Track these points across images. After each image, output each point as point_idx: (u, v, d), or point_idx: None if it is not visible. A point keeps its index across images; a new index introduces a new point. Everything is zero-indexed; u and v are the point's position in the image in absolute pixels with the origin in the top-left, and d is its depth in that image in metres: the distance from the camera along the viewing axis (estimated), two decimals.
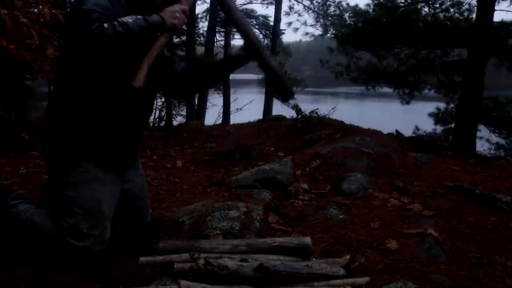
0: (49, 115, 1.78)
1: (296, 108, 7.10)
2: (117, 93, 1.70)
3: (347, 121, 6.38)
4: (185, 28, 12.71)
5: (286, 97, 1.95)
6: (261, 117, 11.38)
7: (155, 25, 1.57)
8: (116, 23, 1.48)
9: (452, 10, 8.50)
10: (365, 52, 9.55)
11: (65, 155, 1.72)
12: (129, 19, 1.51)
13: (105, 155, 1.76)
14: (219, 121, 12.40)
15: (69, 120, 1.70)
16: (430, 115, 9.47)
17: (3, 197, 1.86)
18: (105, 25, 1.46)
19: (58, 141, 1.73)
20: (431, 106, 9.68)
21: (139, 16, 1.54)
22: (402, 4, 8.65)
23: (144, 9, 1.69)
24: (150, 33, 1.57)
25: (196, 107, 12.38)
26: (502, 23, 7.77)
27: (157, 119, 8.66)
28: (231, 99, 13.09)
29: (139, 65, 1.60)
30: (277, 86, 1.91)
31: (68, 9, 1.66)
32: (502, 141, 8.29)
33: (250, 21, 16.67)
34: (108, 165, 1.78)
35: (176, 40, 14.15)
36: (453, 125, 8.00)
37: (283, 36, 14.84)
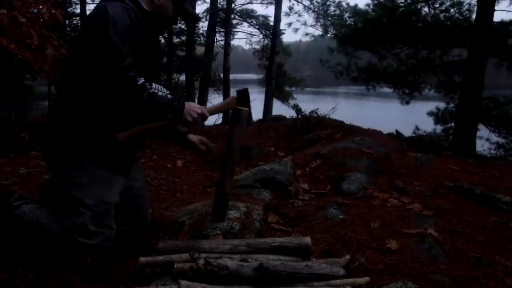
0: (52, 116, 1.79)
1: (296, 108, 7.11)
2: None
3: (347, 121, 6.38)
4: (185, 28, 12.74)
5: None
6: (261, 117, 11.38)
7: (173, 110, 1.67)
8: (148, 87, 1.59)
9: (452, 10, 8.51)
10: (365, 52, 9.56)
11: (70, 156, 1.74)
12: (159, 91, 1.63)
13: (109, 156, 1.78)
14: (219, 121, 12.40)
15: (74, 122, 1.71)
16: (430, 114, 9.47)
17: (5, 199, 1.87)
18: (139, 82, 1.57)
19: (62, 142, 1.74)
20: (431, 106, 9.68)
21: (169, 96, 1.66)
22: (402, 4, 8.66)
23: (157, 23, 1.81)
24: (165, 113, 1.69)
25: None
26: (502, 23, 7.77)
27: None
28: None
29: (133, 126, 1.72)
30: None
31: (88, 18, 1.70)
32: (502, 141, 8.29)
33: (250, 21, 16.69)
34: (111, 166, 1.80)
35: (176, 40, 14.18)
36: (453, 124, 8.00)
37: (283, 36, 14.83)
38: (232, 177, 1.93)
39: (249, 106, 1.85)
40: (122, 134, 1.71)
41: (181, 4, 1.82)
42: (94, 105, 1.69)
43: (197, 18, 2.10)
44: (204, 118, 1.78)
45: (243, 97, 1.82)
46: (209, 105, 13.29)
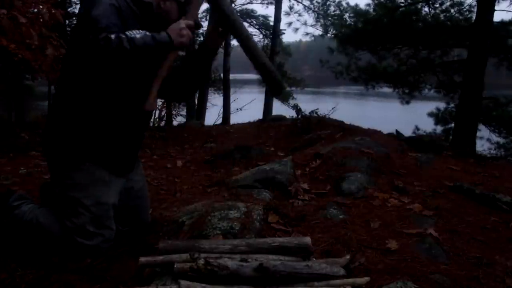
0: (52, 117, 1.79)
1: (296, 108, 7.10)
2: (121, 97, 1.72)
3: (347, 121, 6.37)
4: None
5: (275, 89, 1.74)
6: (261, 117, 11.38)
7: (162, 44, 1.55)
8: (123, 36, 1.47)
9: (452, 10, 8.51)
10: (365, 52, 9.56)
11: (69, 157, 1.74)
12: (137, 34, 1.50)
13: (108, 157, 1.78)
14: (219, 121, 12.39)
15: (73, 123, 1.71)
16: (430, 114, 9.48)
17: (5, 199, 1.87)
18: (112, 36, 1.45)
19: (61, 143, 1.74)
20: (431, 106, 9.68)
21: (148, 33, 1.53)
22: (402, 4, 8.66)
23: (157, 19, 1.73)
24: (156, 52, 1.56)
25: (196, 107, 12.37)
26: (502, 23, 7.77)
27: (157, 119, 8.66)
28: (231, 99, 13.09)
29: (147, 82, 1.60)
30: (263, 73, 1.71)
31: (78, 14, 1.67)
32: (502, 141, 8.30)
33: (250, 21, 16.69)
34: (111, 167, 1.80)
35: None
36: (453, 125, 8.00)
37: (283, 36, 14.83)
38: (258, 48, 1.78)
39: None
40: (148, 104, 1.60)
41: (185, 10, 1.78)
42: (93, 105, 1.68)
43: (200, 25, 2.08)
44: (193, 27, 1.65)
45: None
46: (209, 105, 13.27)
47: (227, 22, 1.71)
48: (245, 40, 1.70)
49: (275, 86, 1.76)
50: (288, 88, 15.81)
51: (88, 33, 1.49)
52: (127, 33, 1.49)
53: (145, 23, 1.70)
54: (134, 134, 1.89)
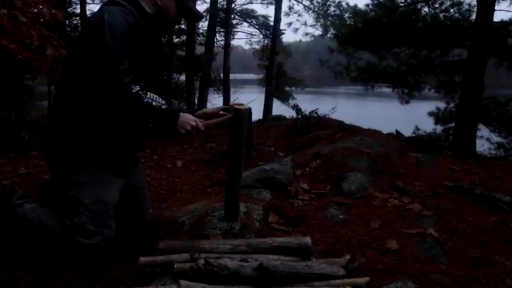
0: (52, 117, 1.79)
1: (296, 108, 7.10)
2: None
3: (347, 121, 6.37)
4: (185, 28, 12.74)
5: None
6: (261, 117, 11.37)
7: (166, 122, 1.67)
8: (143, 96, 1.58)
9: (452, 10, 8.51)
10: (365, 52, 9.56)
11: (69, 157, 1.74)
12: (154, 101, 1.62)
13: (108, 157, 1.78)
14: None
15: (73, 123, 1.71)
16: (430, 114, 9.48)
17: (8, 197, 1.87)
18: (133, 90, 1.55)
19: (61, 143, 1.75)
20: (431, 106, 9.68)
21: (164, 106, 1.66)
22: (402, 4, 8.66)
23: (158, 20, 1.78)
24: (159, 125, 1.69)
25: (196, 107, 12.38)
26: (502, 23, 7.77)
27: None
28: (231, 99, 13.09)
29: (148, 85, 1.67)
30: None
31: (86, 21, 1.68)
32: (503, 141, 8.30)
33: (250, 21, 16.69)
34: (111, 167, 1.81)
35: (176, 40, 14.17)
36: (453, 124, 8.00)
37: (283, 36, 14.82)
38: (239, 178, 1.91)
39: (250, 126, 1.81)
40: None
41: (184, 3, 1.81)
42: (93, 107, 1.69)
43: (200, 16, 2.08)
44: (198, 131, 1.77)
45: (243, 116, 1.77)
46: (209, 105, 13.31)
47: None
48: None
49: (233, 212, 1.95)
50: (288, 88, 15.85)
51: (101, 62, 1.53)
52: (148, 94, 1.62)
53: (147, 31, 1.75)
54: (135, 136, 1.90)
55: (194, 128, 1.73)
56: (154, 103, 1.62)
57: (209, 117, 1.88)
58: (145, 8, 1.75)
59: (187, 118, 1.72)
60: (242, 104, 1.82)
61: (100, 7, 1.70)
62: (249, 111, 1.83)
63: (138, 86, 1.58)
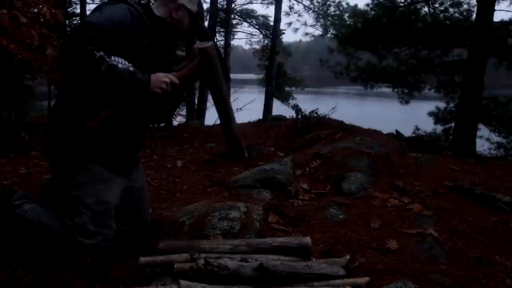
0: (54, 117, 1.80)
1: (296, 108, 7.10)
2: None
3: (347, 121, 6.36)
4: None
5: (237, 157, 1.90)
6: (261, 117, 11.37)
7: (139, 83, 1.58)
8: (108, 59, 1.49)
9: (452, 10, 8.51)
10: (365, 52, 9.56)
11: (71, 157, 1.75)
12: (120, 64, 1.52)
13: (110, 157, 1.79)
14: (219, 121, 12.37)
15: (75, 123, 1.71)
16: (430, 114, 9.48)
17: (7, 198, 1.87)
18: (97, 54, 1.47)
19: (63, 143, 1.75)
20: (431, 106, 9.68)
21: (131, 68, 1.55)
22: (402, 4, 8.66)
23: (170, 30, 1.78)
24: (130, 86, 1.57)
25: (196, 107, 12.38)
26: (502, 23, 7.77)
27: None
28: (231, 99, 13.10)
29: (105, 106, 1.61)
30: (231, 139, 1.86)
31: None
32: (503, 141, 8.29)
33: (250, 21, 16.69)
34: (112, 167, 1.81)
35: None
36: (453, 124, 8.00)
37: (283, 36, 14.83)
38: (232, 117, 1.90)
39: (222, 59, 1.79)
40: (91, 121, 1.63)
41: (197, 20, 1.84)
42: (95, 107, 1.69)
43: (209, 36, 2.11)
44: (174, 86, 1.69)
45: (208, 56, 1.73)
46: (209, 105, 13.33)
47: (210, 80, 1.77)
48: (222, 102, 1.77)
49: (238, 154, 1.84)
50: (288, 88, 15.86)
51: (74, 37, 1.49)
52: (113, 57, 1.52)
53: (155, 36, 1.75)
54: (136, 135, 1.90)
55: (169, 84, 1.66)
56: (120, 65, 1.53)
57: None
58: (153, 11, 1.77)
59: (159, 75, 1.65)
60: (205, 42, 1.79)
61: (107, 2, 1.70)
62: (215, 46, 1.79)
63: (102, 52, 1.49)
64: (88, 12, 12.02)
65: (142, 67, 1.67)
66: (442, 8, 8.57)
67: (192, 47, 1.82)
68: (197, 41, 1.81)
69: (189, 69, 1.80)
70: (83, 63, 1.47)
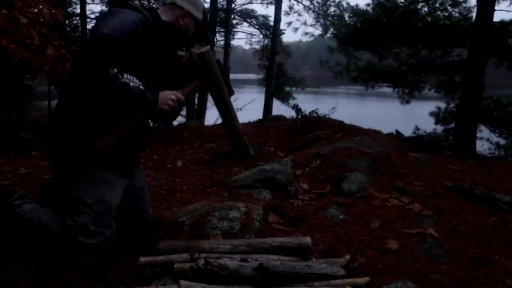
0: (57, 118, 1.80)
1: (296, 108, 7.10)
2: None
3: (347, 121, 6.37)
4: None
5: (242, 154, 1.94)
6: (261, 117, 11.37)
7: (147, 102, 1.63)
8: (120, 77, 1.54)
9: (452, 10, 8.50)
10: (365, 52, 9.56)
11: (73, 157, 1.75)
12: (131, 82, 1.58)
13: (112, 160, 1.79)
14: (219, 121, 12.36)
15: (77, 124, 1.72)
16: (431, 114, 9.48)
17: (7, 198, 1.87)
18: (111, 72, 1.51)
19: (64, 143, 1.75)
20: (431, 106, 9.68)
21: (141, 87, 1.61)
22: (402, 4, 8.65)
23: (176, 35, 1.81)
24: (139, 104, 1.63)
25: (196, 107, 12.38)
26: (502, 23, 7.76)
27: None
28: (231, 99, 13.08)
29: (153, 87, 1.66)
30: (234, 137, 1.91)
31: (99, 17, 1.71)
32: (503, 141, 8.29)
33: (250, 21, 16.69)
34: (114, 167, 1.82)
35: None
36: (453, 125, 7.99)
37: (283, 36, 14.82)
38: (234, 116, 1.92)
39: (225, 74, 1.86)
40: (101, 142, 1.69)
41: (201, 28, 1.87)
42: (97, 107, 1.69)
43: (212, 44, 2.15)
44: (180, 103, 1.75)
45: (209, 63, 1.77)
46: (209, 105, 13.32)
47: (210, 83, 1.83)
48: (223, 103, 1.85)
49: (243, 151, 1.91)
50: (288, 88, 15.85)
51: (89, 51, 1.51)
52: (125, 75, 1.56)
53: (164, 41, 1.78)
54: (139, 138, 1.91)
55: (175, 101, 1.71)
56: (131, 83, 1.58)
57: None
58: (160, 16, 1.78)
59: (166, 93, 1.70)
60: (202, 45, 1.82)
61: (115, 8, 1.73)
62: (217, 61, 1.84)
63: (116, 69, 1.54)
64: (88, 12, 12.03)
65: (147, 72, 1.71)
66: (442, 8, 8.57)
67: (190, 50, 1.86)
68: (196, 45, 1.83)
69: (194, 86, 1.86)
70: (96, 79, 1.51)
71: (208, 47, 1.80)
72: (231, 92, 1.95)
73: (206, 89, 1.80)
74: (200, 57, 1.77)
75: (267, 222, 2.12)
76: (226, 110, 1.86)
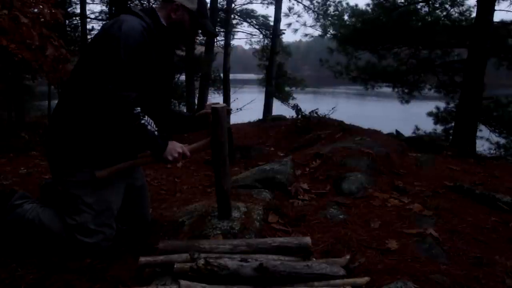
0: (57, 118, 1.80)
1: (296, 108, 7.11)
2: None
3: (347, 121, 6.37)
4: None
5: (223, 214, 2.00)
6: (261, 117, 11.37)
7: (155, 147, 1.72)
8: (141, 118, 1.64)
9: (452, 10, 8.50)
10: (364, 52, 9.56)
11: (73, 157, 1.75)
12: (149, 125, 1.69)
13: (113, 161, 1.78)
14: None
15: (78, 125, 1.72)
16: (430, 114, 9.47)
17: (8, 198, 1.87)
18: (135, 111, 1.61)
19: (65, 145, 1.75)
20: (431, 106, 9.68)
21: (156, 133, 1.71)
22: (401, 4, 8.65)
23: (172, 31, 1.82)
24: (147, 147, 1.74)
25: (196, 107, 12.37)
26: (502, 23, 7.76)
27: None
28: (231, 99, 13.09)
29: (154, 93, 1.76)
30: (222, 196, 1.97)
31: (103, 28, 1.70)
32: (502, 141, 8.29)
33: (250, 21, 16.68)
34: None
35: None
36: (453, 125, 8.00)
37: (283, 36, 14.80)
38: (227, 175, 1.95)
39: (231, 142, 1.96)
40: (99, 173, 1.73)
41: (196, 18, 1.84)
42: (104, 128, 1.70)
43: (215, 34, 2.14)
44: (185, 157, 1.82)
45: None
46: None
47: (215, 144, 1.89)
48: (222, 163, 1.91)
49: (225, 210, 1.98)
50: (288, 88, 15.85)
51: (112, 76, 1.56)
52: (146, 117, 1.67)
53: (160, 43, 1.78)
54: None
55: (180, 155, 1.77)
56: (149, 127, 1.68)
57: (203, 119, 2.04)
58: (161, 21, 1.79)
59: (175, 145, 1.77)
60: (219, 103, 1.88)
61: (119, 16, 1.71)
62: (226, 109, 1.87)
63: (139, 108, 1.63)
64: (88, 12, 12.02)
65: (155, 78, 1.74)
66: (442, 8, 8.56)
67: (206, 104, 1.99)
68: (212, 102, 1.92)
69: (202, 145, 1.93)
70: (120, 114, 1.60)
71: (224, 105, 1.86)
72: (232, 156, 2.00)
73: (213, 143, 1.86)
74: (213, 111, 1.81)
75: (267, 222, 2.12)
76: (222, 167, 1.91)
